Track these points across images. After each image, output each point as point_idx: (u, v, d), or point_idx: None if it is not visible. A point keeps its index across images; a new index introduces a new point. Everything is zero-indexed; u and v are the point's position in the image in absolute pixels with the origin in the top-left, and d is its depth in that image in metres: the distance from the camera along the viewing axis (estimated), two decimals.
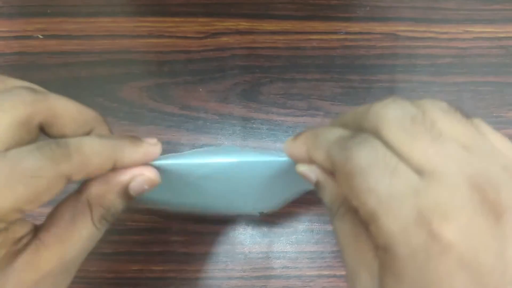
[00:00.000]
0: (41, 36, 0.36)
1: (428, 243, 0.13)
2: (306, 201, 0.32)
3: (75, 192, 0.19)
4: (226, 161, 0.21)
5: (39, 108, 0.17)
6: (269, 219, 0.32)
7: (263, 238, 0.32)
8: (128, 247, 0.32)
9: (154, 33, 0.36)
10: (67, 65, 0.35)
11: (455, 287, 0.13)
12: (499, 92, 0.35)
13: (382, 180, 0.14)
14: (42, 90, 0.18)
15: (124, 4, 0.36)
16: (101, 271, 0.31)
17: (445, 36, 0.36)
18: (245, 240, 0.32)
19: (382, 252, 0.14)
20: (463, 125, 0.15)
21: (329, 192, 0.18)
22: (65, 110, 0.18)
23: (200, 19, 0.36)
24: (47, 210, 0.19)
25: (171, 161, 0.20)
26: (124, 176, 0.19)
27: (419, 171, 0.14)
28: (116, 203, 0.19)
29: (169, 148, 0.33)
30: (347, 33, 0.36)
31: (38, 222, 0.18)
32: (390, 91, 0.35)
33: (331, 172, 0.17)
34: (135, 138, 0.19)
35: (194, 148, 0.34)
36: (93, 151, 0.17)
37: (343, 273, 0.32)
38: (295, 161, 0.20)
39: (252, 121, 0.34)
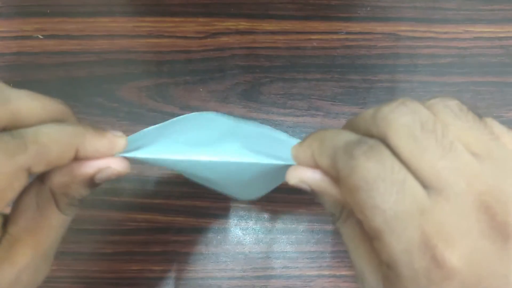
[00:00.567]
0: (40, 36, 0.35)
1: (431, 268, 0.13)
2: (306, 201, 0.32)
3: (36, 180, 0.18)
4: (207, 159, 0.20)
5: (1, 116, 0.16)
6: (269, 219, 0.32)
7: (263, 238, 0.32)
8: (128, 247, 0.32)
9: (153, 33, 0.36)
10: (66, 65, 0.35)
11: None
12: (499, 92, 0.35)
13: (388, 198, 0.13)
14: (3, 89, 0.17)
15: (124, 4, 0.36)
16: (101, 271, 0.31)
17: (445, 36, 0.36)
18: (245, 240, 0.32)
19: (386, 266, 0.14)
20: (476, 129, 0.14)
21: (329, 200, 0.18)
22: (29, 109, 0.17)
23: (200, 19, 0.36)
24: None
25: (144, 154, 0.19)
26: (89, 169, 0.18)
27: (427, 186, 0.13)
28: (80, 191, 0.18)
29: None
30: (347, 33, 0.36)
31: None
32: (390, 91, 0.35)
33: (336, 178, 0.16)
34: (98, 127, 0.18)
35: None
36: (51, 139, 0.16)
37: (343, 273, 0.32)
38: (300, 165, 0.19)
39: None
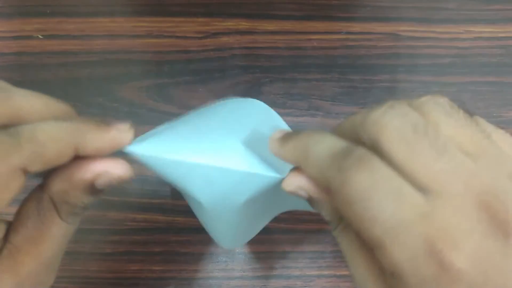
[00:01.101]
0: (40, 36, 0.35)
1: (438, 272, 0.12)
2: None
3: (38, 188, 0.17)
4: (205, 162, 0.18)
5: (1, 109, 0.15)
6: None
7: (263, 238, 0.32)
8: (128, 247, 0.32)
9: (153, 33, 0.36)
10: (66, 65, 0.35)
11: None
12: (499, 92, 0.35)
13: (385, 207, 0.13)
14: (5, 87, 0.16)
15: (124, 4, 0.36)
16: (101, 271, 0.31)
17: (445, 36, 0.36)
18: None
19: (390, 276, 0.14)
20: (468, 128, 0.14)
21: (325, 208, 0.17)
22: (30, 107, 0.16)
23: (200, 19, 0.36)
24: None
25: (148, 152, 0.17)
26: (87, 174, 0.17)
27: (424, 190, 0.13)
28: (82, 199, 0.17)
29: None
30: (348, 33, 0.36)
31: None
32: (391, 91, 0.35)
33: (327, 189, 0.15)
34: (101, 121, 0.17)
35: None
36: (48, 137, 0.15)
37: (343, 273, 0.32)
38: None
39: None
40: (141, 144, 0.18)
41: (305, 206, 0.18)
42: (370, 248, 0.14)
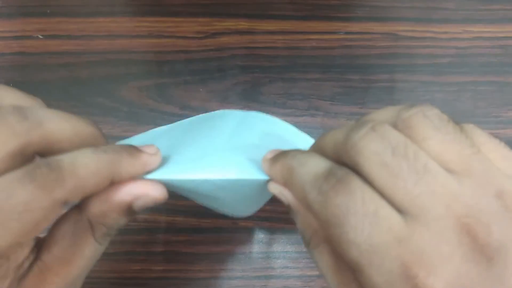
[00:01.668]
0: (40, 36, 0.36)
1: None
2: None
3: (75, 208, 0.18)
4: (204, 177, 0.19)
5: (33, 139, 0.15)
6: (270, 219, 0.32)
7: (263, 238, 0.32)
8: (128, 247, 0.32)
9: (154, 33, 0.36)
10: (67, 65, 0.35)
11: None
12: (499, 92, 0.35)
13: (361, 232, 0.13)
14: (35, 113, 0.16)
15: (124, 4, 0.36)
16: (102, 271, 0.31)
17: (444, 36, 0.36)
18: (245, 240, 0.32)
19: None
20: (457, 142, 0.14)
21: (301, 220, 0.17)
22: (61, 134, 0.16)
23: (200, 19, 0.36)
24: None
25: (167, 176, 0.19)
26: (127, 196, 0.17)
27: (404, 213, 0.13)
28: (119, 220, 0.18)
29: None
30: (346, 33, 0.36)
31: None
32: (389, 91, 0.35)
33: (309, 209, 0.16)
34: (133, 149, 0.18)
35: None
36: (89, 171, 0.15)
37: None
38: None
39: None
40: (158, 171, 0.19)
41: None
42: (352, 270, 0.14)
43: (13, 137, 0.15)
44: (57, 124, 0.16)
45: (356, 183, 0.14)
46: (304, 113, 0.34)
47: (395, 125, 0.14)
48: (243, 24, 0.36)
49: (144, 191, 0.18)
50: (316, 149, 0.17)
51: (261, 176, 0.19)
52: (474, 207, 0.13)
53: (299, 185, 0.16)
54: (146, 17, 0.36)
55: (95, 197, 0.17)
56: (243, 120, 0.24)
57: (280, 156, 0.18)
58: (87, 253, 0.17)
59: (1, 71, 0.35)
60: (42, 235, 0.18)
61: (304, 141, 0.25)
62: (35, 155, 0.16)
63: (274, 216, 0.32)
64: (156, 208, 0.32)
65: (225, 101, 0.34)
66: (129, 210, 0.18)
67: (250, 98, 0.35)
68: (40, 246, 0.17)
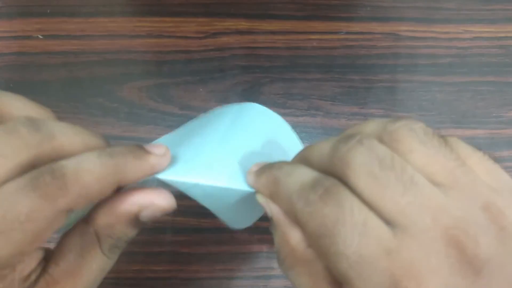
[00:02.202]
0: (40, 36, 0.35)
1: None
2: None
3: (82, 221, 0.17)
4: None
5: (44, 151, 0.15)
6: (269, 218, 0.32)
7: (263, 238, 0.32)
8: (128, 247, 0.32)
9: (153, 33, 0.36)
10: (67, 65, 0.35)
11: None
12: (499, 92, 0.35)
13: (350, 242, 0.13)
14: (47, 126, 0.15)
15: (124, 4, 0.36)
16: None
17: (445, 36, 0.36)
18: (245, 240, 0.32)
19: None
20: (442, 155, 0.14)
21: (279, 236, 0.17)
22: (71, 147, 0.16)
23: (200, 19, 0.36)
24: None
25: (176, 177, 0.18)
26: (132, 207, 0.17)
27: (392, 224, 0.13)
28: (126, 232, 0.17)
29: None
30: (347, 33, 0.36)
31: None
32: (391, 91, 0.35)
33: (295, 222, 0.15)
34: (140, 151, 0.17)
35: None
36: (93, 177, 0.15)
37: None
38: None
39: None
40: (169, 171, 0.18)
41: None
42: (340, 284, 0.14)
43: (25, 148, 0.14)
44: (68, 137, 0.16)
45: (344, 193, 0.14)
46: (304, 113, 0.34)
47: (381, 138, 0.14)
48: (243, 24, 0.36)
49: (150, 201, 0.17)
50: (301, 160, 0.17)
51: (250, 188, 0.18)
52: (461, 219, 0.13)
53: (285, 195, 0.15)
54: (146, 17, 0.36)
55: (101, 208, 0.17)
56: (238, 116, 0.24)
57: (265, 168, 0.17)
58: (94, 266, 0.17)
59: (1, 71, 0.35)
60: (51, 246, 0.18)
61: (294, 143, 0.25)
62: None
63: None
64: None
65: (225, 101, 0.34)
66: (136, 221, 0.17)
67: (250, 98, 0.35)
68: (48, 259, 0.17)
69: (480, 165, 0.14)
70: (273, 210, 0.17)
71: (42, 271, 0.16)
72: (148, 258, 0.32)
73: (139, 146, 0.17)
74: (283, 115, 0.34)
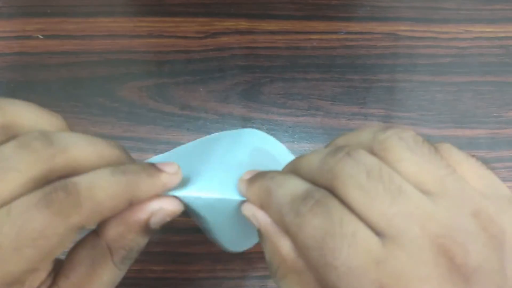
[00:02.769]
0: (41, 36, 0.36)
1: None
2: None
3: (93, 233, 0.17)
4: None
5: (58, 165, 0.15)
6: None
7: None
8: None
9: (154, 33, 0.36)
10: (67, 65, 0.35)
11: None
12: (499, 92, 0.35)
13: (339, 254, 0.13)
14: (60, 139, 0.15)
15: (124, 4, 0.36)
16: None
17: (445, 36, 0.36)
18: None
19: None
20: (432, 163, 0.14)
21: (269, 247, 0.17)
22: (85, 159, 0.16)
23: (200, 19, 0.36)
24: None
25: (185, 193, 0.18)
26: (143, 214, 0.17)
27: (381, 234, 0.13)
28: (138, 241, 0.17)
29: (169, 148, 0.33)
30: (347, 33, 0.36)
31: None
32: (390, 91, 0.35)
33: (286, 233, 0.15)
34: (152, 169, 0.17)
35: None
36: (107, 195, 0.15)
37: None
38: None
39: (252, 121, 0.34)
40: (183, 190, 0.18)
41: None
42: None
43: (38, 162, 0.14)
44: (82, 149, 0.16)
45: (334, 205, 0.14)
46: (304, 113, 0.34)
47: (370, 148, 0.15)
48: (243, 24, 0.36)
49: (159, 206, 0.17)
50: (291, 171, 0.17)
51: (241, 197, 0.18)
52: (450, 227, 0.13)
53: (276, 206, 0.15)
54: (146, 17, 0.36)
55: (111, 220, 0.17)
56: (237, 138, 0.24)
57: (258, 177, 0.17)
58: (105, 279, 0.17)
59: (1, 71, 0.35)
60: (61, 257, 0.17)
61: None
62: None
63: None
64: None
65: (225, 101, 0.34)
66: (147, 228, 0.17)
67: (250, 98, 0.35)
68: (57, 270, 0.17)
69: (471, 171, 0.14)
70: (261, 221, 0.17)
71: (52, 283, 0.16)
72: (148, 258, 0.32)
73: (152, 164, 0.17)
74: (283, 115, 0.35)
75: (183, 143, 0.34)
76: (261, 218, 0.17)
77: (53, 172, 0.15)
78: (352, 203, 0.13)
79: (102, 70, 0.35)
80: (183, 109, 0.34)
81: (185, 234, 0.32)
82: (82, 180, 0.15)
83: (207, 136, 0.26)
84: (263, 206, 0.17)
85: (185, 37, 0.36)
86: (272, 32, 0.36)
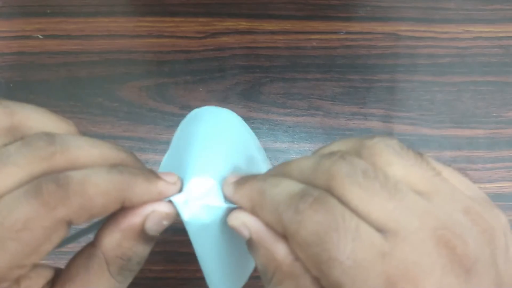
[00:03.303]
0: (40, 36, 0.36)
1: None
2: None
3: (90, 244, 0.17)
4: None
5: (58, 163, 0.15)
6: None
7: None
8: None
9: (153, 33, 0.36)
10: (67, 65, 0.35)
11: None
12: (499, 92, 0.35)
13: (344, 247, 0.13)
14: (62, 139, 0.15)
15: (124, 4, 0.36)
16: None
17: (445, 35, 0.36)
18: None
19: None
20: (418, 167, 0.14)
21: (263, 255, 0.16)
22: (87, 159, 0.15)
23: (200, 19, 0.36)
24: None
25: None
26: (136, 218, 0.16)
27: (382, 229, 0.13)
28: (136, 250, 0.17)
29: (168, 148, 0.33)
30: (347, 32, 0.36)
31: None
32: (390, 91, 0.35)
33: (282, 234, 0.15)
34: (151, 175, 0.17)
35: None
36: (98, 191, 0.15)
37: None
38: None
39: (252, 121, 0.34)
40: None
41: None
42: None
43: (38, 159, 0.14)
44: (84, 150, 0.15)
45: (334, 202, 0.14)
46: (304, 113, 0.34)
47: (359, 154, 0.15)
48: (243, 24, 0.36)
49: (152, 208, 0.17)
50: (278, 175, 0.17)
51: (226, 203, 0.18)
52: (447, 221, 0.13)
53: (272, 206, 0.15)
54: (146, 17, 0.36)
55: (106, 228, 0.16)
56: (215, 126, 0.22)
57: (248, 179, 0.17)
58: None
59: (1, 71, 0.35)
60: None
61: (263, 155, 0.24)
62: None
63: None
64: None
65: (225, 101, 0.34)
66: (144, 235, 0.17)
67: (250, 98, 0.35)
68: (55, 280, 0.16)
69: (452, 177, 0.15)
70: (253, 227, 0.16)
71: None
72: (148, 258, 0.32)
73: (151, 170, 0.17)
74: (283, 115, 0.35)
75: None
76: (252, 224, 0.16)
77: (53, 170, 0.15)
78: (351, 201, 0.14)
79: (101, 70, 0.35)
80: (183, 109, 0.34)
81: (184, 234, 0.32)
82: (75, 174, 0.15)
83: (176, 132, 0.24)
84: (255, 208, 0.16)
85: (185, 37, 0.36)
86: (272, 32, 0.36)
